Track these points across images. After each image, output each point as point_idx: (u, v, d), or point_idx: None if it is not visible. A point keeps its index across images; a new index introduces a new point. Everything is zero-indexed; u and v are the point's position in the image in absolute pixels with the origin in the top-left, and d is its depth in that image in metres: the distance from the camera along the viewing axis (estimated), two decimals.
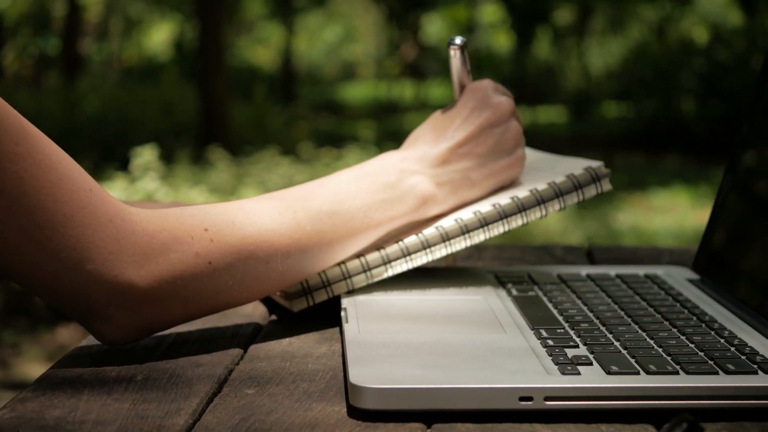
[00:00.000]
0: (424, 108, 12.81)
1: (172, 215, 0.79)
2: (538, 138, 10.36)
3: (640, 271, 1.01)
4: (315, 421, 0.68)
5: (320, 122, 11.19)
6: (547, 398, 0.69)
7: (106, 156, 6.39)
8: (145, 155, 4.70)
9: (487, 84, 0.96)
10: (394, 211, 0.89)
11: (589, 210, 6.11)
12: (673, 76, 10.41)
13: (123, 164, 5.58)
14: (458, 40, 0.96)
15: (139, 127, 7.35)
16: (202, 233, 0.79)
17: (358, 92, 15.80)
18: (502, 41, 13.82)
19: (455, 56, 0.96)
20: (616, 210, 6.39)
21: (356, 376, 0.70)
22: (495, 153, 0.94)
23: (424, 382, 0.69)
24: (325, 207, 0.86)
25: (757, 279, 0.88)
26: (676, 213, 6.45)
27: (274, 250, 0.82)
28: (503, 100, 0.95)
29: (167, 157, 5.89)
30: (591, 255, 1.19)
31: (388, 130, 10.52)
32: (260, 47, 16.77)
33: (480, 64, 11.59)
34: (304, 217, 0.84)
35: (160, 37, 15.91)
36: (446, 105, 0.98)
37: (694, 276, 0.99)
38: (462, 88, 0.98)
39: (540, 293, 0.92)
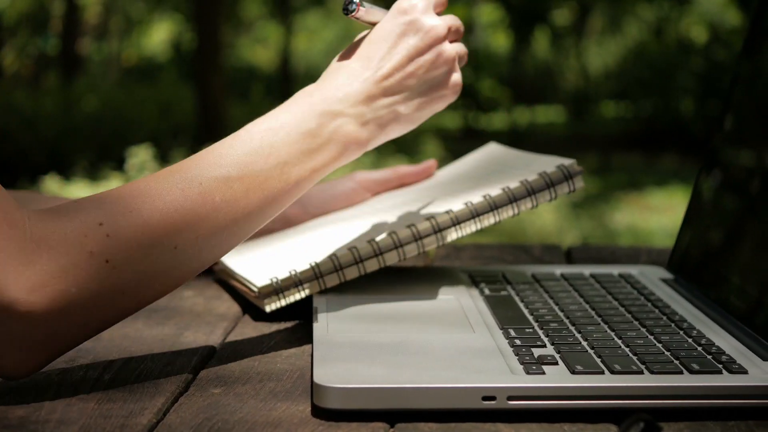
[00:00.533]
0: None
1: (62, 212, 0.70)
2: (537, 137, 10.37)
3: (615, 270, 1.01)
4: (278, 421, 0.68)
5: None
6: (510, 398, 0.69)
7: (103, 156, 6.40)
8: (140, 155, 4.70)
9: (417, 3, 0.85)
10: (315, 161, 0.80)
11: (585, 210, 6.11)
12: (671, 75, 10.39)
13: (119, 164, 5.58)
14: (351, 7, 0.84)
15: (136, 127, 7.35)
16: (97, 229, 0.70)
17: None
18: (500, 41, 13.82)
19: (360, 16, 0.84)
20: (613, 209, 6.39)
21: (320, 376, 0.70)
22: (425, 83, 0.85)
23: (388, 382, 0.69)
24: (234, 172, 0.76)
25: (729, 279, 0.88)
26: (673, 213, 6.44)
27: (179, 232, 0.73)
28: (435, 25, 0.84)
29: (164, 157, 5.89)
30: (569, 254, 1.19)
31: None
32: (259, 47, 16.77)
33: (478, 64, 11.58)
34: (210, 188, 0.74)
35: (159, 37, 15.91)
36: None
37: (668, 276, 1.00)
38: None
39: (512, 293, 0.92)
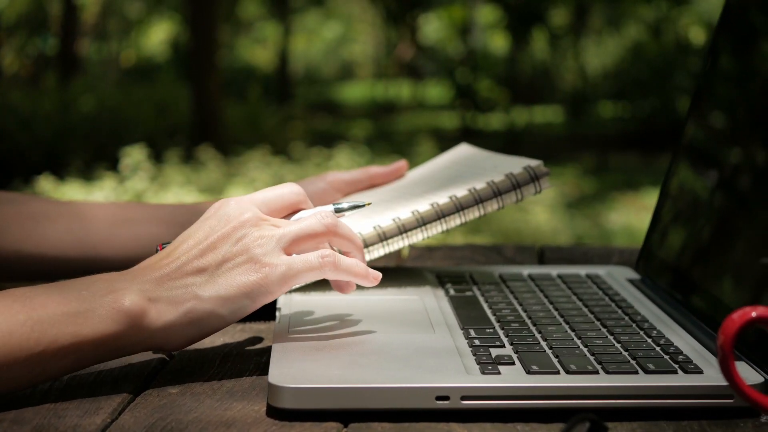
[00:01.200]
0: (420, 108, 12.81)
1: None
2: (535, 137, 10.36)
3: (583, 271, 1.01)
4: (232, 420, 0.68)
5: (316, 122, 11.20)
6: (463, 398, 0.69)
7: (99, 156, 6.41)
8: (134, 155, 4.70)
9: (229, 200, 0.80)
10: (82, 327, 0.72)
11: (580, 210, 6.11)
12: (669, 76, 10.40)
13: (115, 164, 5.59)
14: None
15: (133, 127, 7.36)
16: None
17: (355, 92, 15.81)
18: (500, 42, 13.83)
19: None
20: (609, 209, 6.39)
21: (275, 376, 0.70)
22: (224, 265, 0.76)
23: (342, 382, 0.69)
24: None
25: (691, 279, 0.88)
26: None
27: None
28: (241, 211, 0.78)
29: (159, 157, 5.90)
30: (542, 255, 1.20)
31: (384, 130, 10.52)
32: (258, 47, 16.78)
33: (476, 65, 11.59)
34: None
35: (158, 37, 15.92)
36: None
37: (635, 276, 1.00)
38: None
39: (478, 293, 0.93)
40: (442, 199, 0.94)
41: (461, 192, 0.94)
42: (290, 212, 0.81)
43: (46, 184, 5.22)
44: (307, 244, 0.78)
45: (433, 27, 15.06)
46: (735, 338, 0.63)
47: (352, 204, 0.82)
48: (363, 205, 0.82)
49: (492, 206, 0.94)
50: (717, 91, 0.97)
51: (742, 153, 0.87)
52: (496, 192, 0.94)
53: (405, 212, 0.94)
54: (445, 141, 9.66)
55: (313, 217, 0.79)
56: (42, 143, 7.02)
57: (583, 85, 12.01)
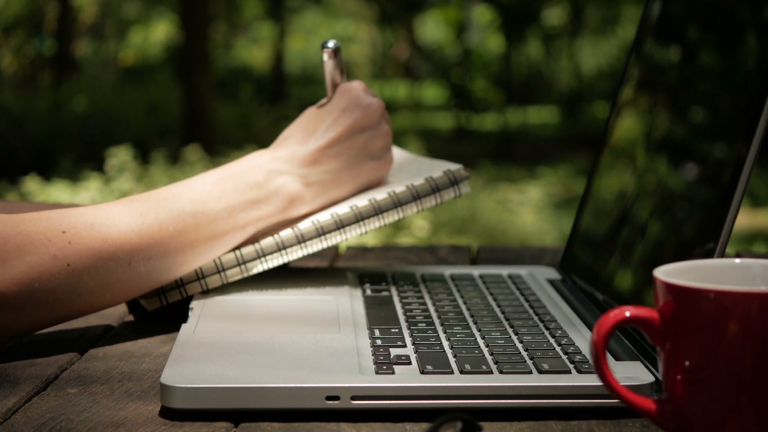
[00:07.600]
0: (416, 108, 12.81)
1: (28, 218, 0.80)
2: (529, 138, 10.35)
3: (505, 271, 1.01)
4: (123, 420, 0.69)
5: None
6: (353, 397, 0.70)
7: (89, 156, 6.41)
8: (120, 155, 4.71)
9: (357, 85, 0.97)
10: (261, 211, 0.90)
11: (567, 210, 6.11)
12: None
13: (101, 165, 5.60)
14: (331, 44, 0.98)
15: (124, 127, 7.37)
16: (60, 235, 0.80)
17: None
18: (497, 42, 13.82)
19: (328, 59, 0.99)
20: None
21: (167, 376, 0.71)
22: (364, 155, 0.94)
23: (233, 382, 0.70)
24: (188, 207, 0.86)
25: (604, 278, 0.89)
26: None
27: (135, 251, 0.83)
28: (373, 102, 0.96)
29: (146, 158, 5.90)
30: (477, 255, 1.20)
31: None
32: (255, 47, 16.77)
33: (471, 65, 11.59)
34: (166, 218, 0.85)
35: (156, 37, 15.92)
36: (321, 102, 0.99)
37: (557, 276, 1.00)
38: (335, 87, 0.99)
39: (394, 293, 0.93)
40: (362, 202, 0.95)
41: (380, 195, 0.95)
42: None
43: (32, 184, 5.24)
44: None
45: (429, 27, 15.06)
46: (607, 337, 0.63)
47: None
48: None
49: (411, 209, 0.95)
50: (634, 93, 0.98)
51: (655, 155, 0.88)
52: (416, 196, 0.95)
53: (324, 215, 0.94)
54: (439, 141, 9.66)
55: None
56: (33, 144, 7.03)
57: (579, 85, 12.01)
